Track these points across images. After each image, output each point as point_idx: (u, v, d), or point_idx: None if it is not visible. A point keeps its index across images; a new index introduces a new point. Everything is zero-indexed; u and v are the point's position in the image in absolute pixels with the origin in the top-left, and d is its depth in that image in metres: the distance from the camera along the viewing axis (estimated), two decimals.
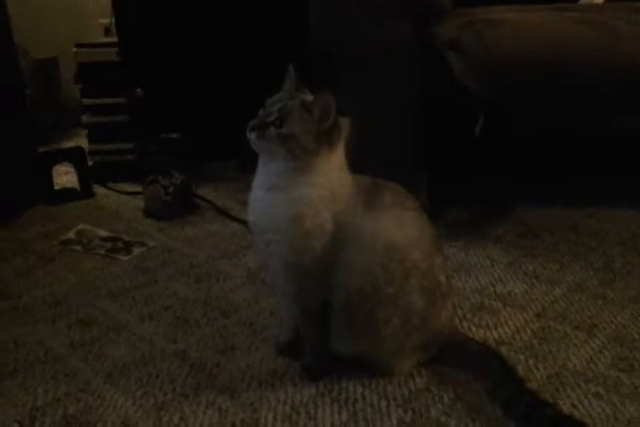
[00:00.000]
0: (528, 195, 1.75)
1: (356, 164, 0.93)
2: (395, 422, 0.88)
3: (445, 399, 0.93)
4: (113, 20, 1.95)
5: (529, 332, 1.09)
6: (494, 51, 1.25)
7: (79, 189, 1.90)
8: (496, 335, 1.08)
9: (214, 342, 1.09)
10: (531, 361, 1.01)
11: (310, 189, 0.88)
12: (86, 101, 1.98)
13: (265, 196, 0.91)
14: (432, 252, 0.96)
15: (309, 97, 0.91)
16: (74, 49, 1.94)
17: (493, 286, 1.26)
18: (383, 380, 0.97)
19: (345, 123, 0.90)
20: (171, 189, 1.69)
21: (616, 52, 1.22)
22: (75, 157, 1.90)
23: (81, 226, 1.65)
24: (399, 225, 0.92)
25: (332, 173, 0.90)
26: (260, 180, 0.92)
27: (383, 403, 0.92)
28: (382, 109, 1.45)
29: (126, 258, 1.47)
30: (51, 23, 2.55)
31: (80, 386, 0.98)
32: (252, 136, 0.88)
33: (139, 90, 1.86)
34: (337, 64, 1.49)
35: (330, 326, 0.95)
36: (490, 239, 1.48)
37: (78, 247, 1.54)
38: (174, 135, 1.81)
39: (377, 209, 0.92)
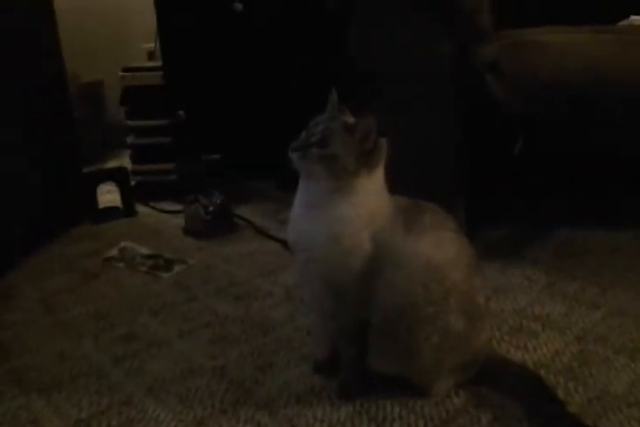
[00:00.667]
0: (570, 215, 1.73)
1: (393, 181, 0.95)
2: None
3: (483, 421, 0.92)
4: (157, 44, 2.03)
5: (568, 354, 1.08)
6: (533, 73, 1.26)
7: (122, 207, 1.96)
8: (535, 358, 1.07)
9: (252, 358, 1.10)
10: (571, 384, 0.99)
11: (350, 209, 0.90)
12: (131, 123, 2.05)
13: (305, 214, 0.93)
14: (471, 273, 0.96)
15: (351, 119, 0.93)
16: (120, 73, 2.02)
17: (532, 307, 1.25)
18: (420, 400, 0.97)
19: (384, 145, 0.92)
20: (210, 209, 1.73)
21: None
22: (118, 176, 1.97)
23: (123, 244, 1.70)
24: (439, 246, 0.93)
25: (371, 194, 0.92)
26: (300, 199, 0.94)
27: (421, 423, 0.92)
28: (423, 127, 1.47)
29: (167, 275, 1.51)
30: (96, 47, 2.65)
31: (122, 399, 1.00)
32: (294, 156, 0.91)
33: (181, 112, 1.92)
34: (379, 82, 1.52)
35: (367, 345, 0.96)
36: (528, 260, 1.47)
37: (121, 264, 1.58)
38: (215, 156, 1.86)
39: (417, 230, 0.93)
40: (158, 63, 2.01)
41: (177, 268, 1.54)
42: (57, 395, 1.02)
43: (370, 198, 0.91)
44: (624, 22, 1.71)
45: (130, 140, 2.07)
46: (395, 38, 1.43)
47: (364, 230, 0.90)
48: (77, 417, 0.96)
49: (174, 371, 1.08)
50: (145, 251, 1.66)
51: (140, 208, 2.00)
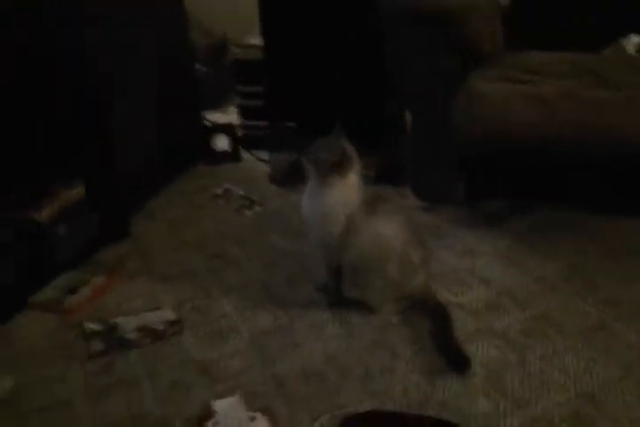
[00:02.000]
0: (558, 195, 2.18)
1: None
2: (368, 338, 1.53)
3: (404, 333, 1.55)
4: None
5: (482, 301, 1.65)
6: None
7: (231, 153, 2.67)
8: (458, 300, 1.66)
9: (287, 277, 1.79)
10: (471, 319, 1.58)
11: (331, 198, 1.53)
12: (239, 88, 2.70)
13: (307, 199, 1.57)
14: (408, 243, 1.56)
15: (336, 141, 1.52)
16: (231, 48, 2.65)
17: (482, 268, 1.81)
18: (371, 315, 1.61)
19: (355, 158, 1.52)
20: (286, 164, 2.38)
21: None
22: (229, 129, 2.66)
23: (227, 185, 2.42)
24: (385, 224, 1.54)
25: (346, 189, 1.53)
26: (307, 189, 1.58)
27: (368, 327, 1.57)
28: (433, 127, 2.00)
29: (249, 213, 2.21)
30: (226, 12, 3.24)
31: (203, 294, 1.74)
32: (303, 160, 1.54)
33: (269, 85, 2.53)
34: (406, 90, 2.06)
35: (341, 279, 1.62)
36: (504, 231, 1.99)
37: (222, 201, 2.31)
38: (292, 124, 2.47)
39: (374, 214, 1.54)
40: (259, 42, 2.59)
41: (257, 209, 2.24)
42: (171, 284, 1.78)
43: (343, 192, 1.53)
44: (622, 40, 2.04)
45: (238, 101, 2.73)
46: (413, 59, 1.93)
47: (340, 212, 1.53)
48: (181, 299, 1.72)
49: (245, 281, 1.80)
50: (241, 192, 2.36)
51: (245, 154, 2.69)
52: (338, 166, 1.51)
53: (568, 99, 1.68)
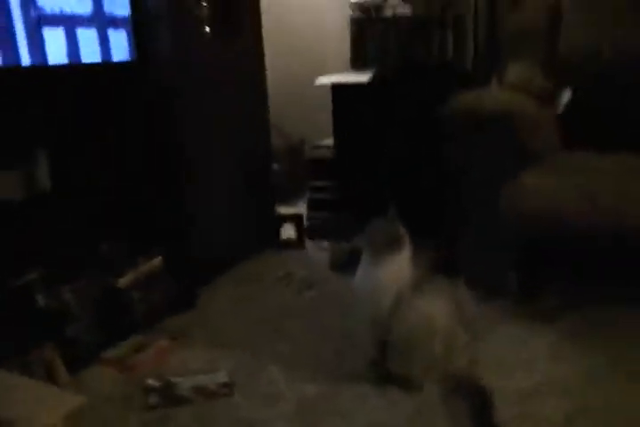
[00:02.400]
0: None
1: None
2: (408, 414, 1.58)
3: (444, 410, 1.59)
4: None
5: (516, 392, 1.67)
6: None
7: (296, 241, 2.87)
8: (501, 385, 1.69)
9: (336, 351, 1.88)
10: (516, 409, 1.60)
11: (383, 275, 1.65)
12: (311, 182, 2.96)
13: (361, 275, 1.70)
14: (455, 323, 1.64)
15: (390, 222, 1.68)
16: (307, 148, 2.95)
17: (528, 356, 1.84)
18: (413, 392, 1.66)
19: (407, 239, 1.65)
20: (346, 251, 2.54)
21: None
22: (296, 219, 2.88)
23: (289, 269, 2.58)
24: (433, 303, 1.63)
25: (396, 267, 1.65)
26: (361, 264, 1.72)
27: (408, 402, 1.62)
28: (489, 219, 2.13)
29: (309, 294, 2.35)
30: (305, 115, 3.62)
31: (259, 364, 1.85)
32: (360, 238, 1.69)
33: (340, 181, 2.77)
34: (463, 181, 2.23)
35: (387, 354, 1.69)
36: (553, 327, 2.02)
37: (284, 283, 2.47)
38: (354, 215, 2.66)
39: (422, 291, 1.64)
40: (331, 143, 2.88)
41: (316, 290, 2.38)
42: (228, 351, 1.90)
43: (394, 269, 1.65)
44: None
45: (308, 194, 2.98)
46: (471, 154, 2.12)
47: (390, 287, 1.65)
48: (236, 365, 1.83)
49: (291, 351, 1.90)
50: (301, 275, 2.52)
51: (308, 243, 2.89)
52: (390, 245, 1.65)
53: (617, 194, 1.80)
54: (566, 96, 2.53)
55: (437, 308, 1.64)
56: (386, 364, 1.72)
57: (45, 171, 2.31)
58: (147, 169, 2.18)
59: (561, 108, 2.52)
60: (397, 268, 1.66)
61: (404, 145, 2.70)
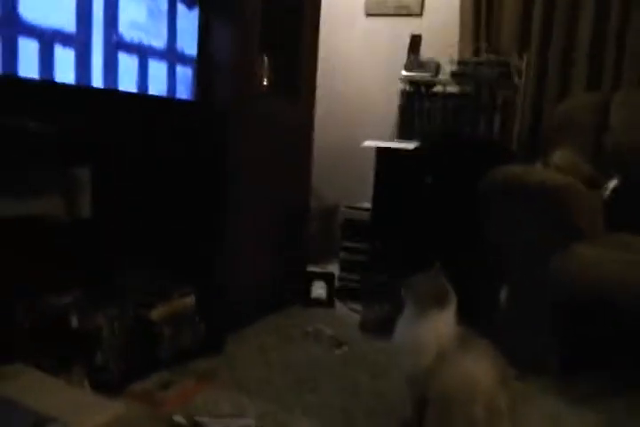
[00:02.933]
0: None
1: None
2: None
3: None
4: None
5: None
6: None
7: (325, 300, 2.84)
8: None
9: (366, 408, 1.81)
10: None
11: (425, 330, 1.61)
12: (344, 243, 2.97)
13: (401, 328, 1.67)
14: (498, 385, 1.58)
15: (435, 276, 1.66)
16: (342, 208, 2.99)
17: None
18: None
19: (452, 295, 1.63)
20: (379, 314, 2.50)
21: None
22: (327, 278, 2.86)
23: (318, 325, 2.54)
24: (476, 364, 1.58)
25: (440, 322, 1.62)
26: (402, 318, 1.69)
27: None
28: (532, 289, 2.11)
29: (337, 352, 2.29)
30: (342, 182, 3.69)
31: (287, 413, 1.78)
32: (402, 291, 1.67)
33: (377, 242, 2.78)
34: (505, 251, 2.22)
35: (424, 414, 1.62)
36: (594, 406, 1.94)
37: (311, 338, 2.42)
38: (388, 277, 2.64)
39: (465, 352, 1.60)
40: (369, 205, 2.91)
41: (344, 349, 2.33)
42: (255, 397, 1.84)
43: (438, 326, 1.61)
44: None
45: (342, 255, 2.98)
46: (515, 225, 2.13)
47: (431, 346, 1.60)
48: (264, 411, 1.76)
49: (319, 403, 1.83)
50: (329, 333, 2.47)
51: (338, 304, 2.85)
52: (435, 299, 1.63)
53: None
54: (612, 183, 2.57)
55: (481, 368, 1.59)
56: (422, 425, 1.64)
57: (88, 195, 2.37)
58: (191, 207, 2.22)
59: (606, 194, 2.55)
60: (441, 324, 1.63)
61: (442, 217, 2.72)
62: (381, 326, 2.48)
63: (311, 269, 3.03)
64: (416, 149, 2.80)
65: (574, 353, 2.12)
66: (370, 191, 2.90)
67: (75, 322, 1.80)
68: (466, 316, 1.69)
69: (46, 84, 1.71)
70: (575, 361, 2.13)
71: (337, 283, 2.93)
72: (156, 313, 2.00)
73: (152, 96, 2.07)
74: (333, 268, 3.14)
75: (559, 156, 2.64)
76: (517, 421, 1.69)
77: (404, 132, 3.28)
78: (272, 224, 2.61)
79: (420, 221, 2.76)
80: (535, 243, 2.11)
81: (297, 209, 2.83)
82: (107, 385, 1.75)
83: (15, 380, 1.15)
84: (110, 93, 1.92)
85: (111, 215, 2.26)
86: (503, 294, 2.48)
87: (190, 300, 2.15)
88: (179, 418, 1.67)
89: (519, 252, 2.18)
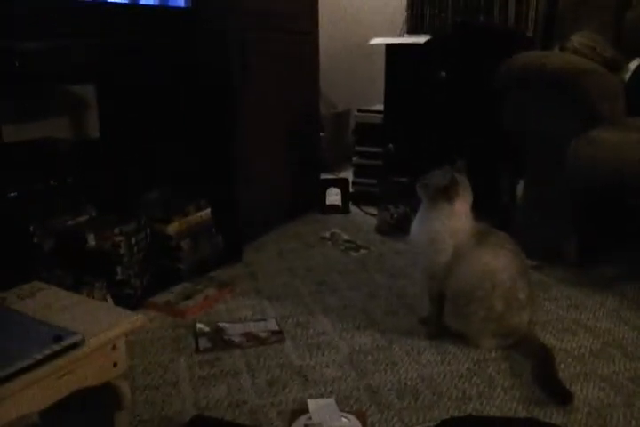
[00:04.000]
0: None
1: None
2: (466, 367, 1.53)
3: (502, 366, 1.54)
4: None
5: (587, 350, 1.61)
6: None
7: (341, 206, 2.82)
8: (561, 346, 1.63)
9: (386, 306, 1.84)
10: (577, 367, 1.54)
11: (440, 225, 1.59)
12: (357, 148, 2.90)
13: (416, 225, 1.65)
14: (516, 277, 1.58)
15: (450, 171, 1.61)
16: (355, 112, 2.88)
17: (588, 319, 1.77)
18: (470, 348, 1.61)
19: (467, 188, 1.59)
20: (395, 215, 2.49)
21: None
22: (342, 184, 2.83)
23: (334, 230, 2.55)
24: (495, 257, 1.57)
25: (454, 217, 1.59)
26: (417, 215, 1.66)
27: (464, 359, 1.57)
28: (550, 177, 2.06)
29: (355, 254, 2.31)
30: (352, 85, 3.56)
31: (306, 312, 1.82)
32: (417, 187, 1.63)
33: (390, 145, 2.71)
34: (523, 141, 2.14)
35: (442, 309, 1.64)
36: (616, 294, 1.95)
37: (329, 242, 2.43)
38: (404, 179, 2.59)
39: (482, 245, 1.58)
40: (381, 108, 2.81)
41: (362, 251, 2.34)
42: (276, 301, 1.88)
43: (452, 220, 1.58)
44: None
45: (355, 159, 2.92)
46: (535, 113, 2.04)
47: (448, 240, 1.58)
48: (285, 314, 1.80)
49: (343, 303, 1.87)
50: (346, 237, 2.48)
51: (353, 209, 2.84)
52: (446, 193, 1.59)
53: None
54: (634, 65, 2.43)
55: (499, 261, 1.58)
56: (441, 319, 1.67)
57: (95, 116, 2.32)
58: (201, 119, 2.15)
59: (627, 76, 2.41)
60: (455, 218, 1.60)
61: (458, 113, 2.62)
62: (397, 228, 2.48)
63: (325, 176, 2.99)
64: (428, 42, 2.64)
65: (591, 242, 2.10)
66: (381, 93, 2.79)
67: (92, 240, 1.81)
68: (484, 211, 1.67)
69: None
70: (592, 250, 2.12)
71: (351, 188, 2.90)
72: (173, 227, 2.00)
73: (146, 6, 1.96)
74: (347, 174, 3.10)
75: (578, 38, 2.48)
76: (537, 311, 1.71)
77: (414, 27, 3.11)
78: (283, 134, 2.54)
79: (435, 120, 2.66)
80: (554, 130, 2.02)
81: (308, 116, 2.74)
82: (129, 299, 1.80)
83: (33, 297, 1.16)
84: (101, 6, 1.82)
85: (120, 135, 2.22)
86: (520, 189, 2.44)
87: (206, 213, 2.15)
88: (201, 325, 1.72)
89: (538, 141, 2.10)
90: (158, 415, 1.33)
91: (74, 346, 0.97)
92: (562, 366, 1.52)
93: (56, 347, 0.95)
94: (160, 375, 1.49)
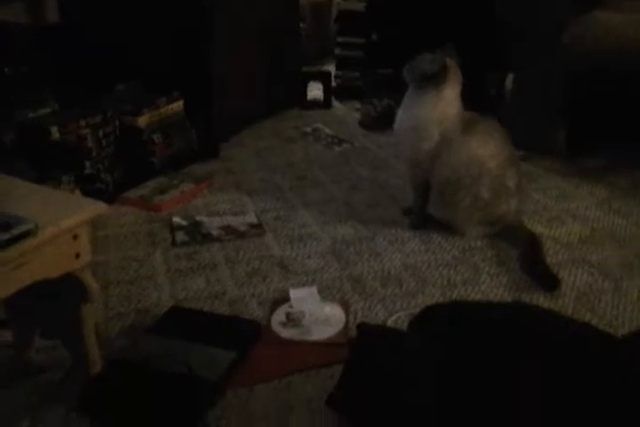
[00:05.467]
0: None
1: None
2: (451, 255, 1.49)
3: (488, 254, 1.50)
4: None
5: (577, 236, 1.57)
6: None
7: (323, 100, 2.68)
8: (549, 233, 1.59)
9: (368, 199, 1.78)
10: (566, 254, 1.51)
11: (424, 111, 1.48)
12: (339, 39, 2.71)
13: (401, 112, 1.54)
14: (505, 165, 1.50)
15: (439, 55, 1.48)
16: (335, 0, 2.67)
17: (578, 208, 1.73)
18: (456, 237, 1.57)
19: (457, 74, 1.47)
20: (378, 109, 2.37)
21: None
22: (324, 77, 2.67)
23: (317, 124, 2.43)
24: (483, 144, 1.49)
25: (441, 103, 1.48)
26: (403, 102, 1.55)
27: (449, 247, 1.53)
28: (542, 66, 1.93)
29: (337, 149, 2.21)
30: None
31: (289, 207, 1.75)
32: (404, 71, 1.51)
33: (374, 35, 2.52)
34: (517, 28, 1.99)
35: (428, 199, 1.58)
36: (603, 182, 1.89)
37: (311, 138, 2.32)
38: (389, 70, 2.45)
39: (470, 132, 1.49)
40: None
41: (345, 145, 2.24)
42: (255, 196, 1.80)
43: (439, 106, 1.48)
44: None
45: (336, 51, 2.74)
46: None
47: (433, 127, 1.49)
48: (265, 208, 1.73)
49: (323, 197, 1.80)
50: (329, 132, 2.37)
51: (336, 103, 2.70)
52: (435, 78, 1.47)
53: None
54: None
55: (487, 149, 1.49)
56: (426, 209, 1.61)
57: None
58: (175, 14, 1.96)
59: None
60: (443, 105, 1.49)
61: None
62: (382, 122, 2.37)
63: (306, 69, 2.82)
64: None
65: (579, 133, 2.01)
66: None
67: (55, 133, 1.69)
68: (471, 104, 1.56)
69: None
70: (580, 140, 2.03)
71: (333, 82, 2.74)
72: (143, 120, 1.87)
73: None
74: (329, 67, 2.92)
75: None
76: (525, 198, 1.66)
77: None
78: (261, 25, 2.34)
79: (422, 6, 2.46)
80: (552, 14, 1.88)
81: (286, 6, 2.52)
82: (101, 194, 1.70)
83: None
84: None
85: (83, 21, 2.03)
86: (509, 82, 2.31)
87: (178, 105, 2.01)
88: (178, 219, 1.65)
89: (533, 27, 1.95)
90: (135, 308, 1.28)
91: (25, 234, 0.88)
92: (550, 253, 1.48)
93: (5, 236, 0.86)
94: (135, 270, 1.43)
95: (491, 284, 1.38)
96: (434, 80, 1.47)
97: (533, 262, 1.42)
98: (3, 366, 1.08)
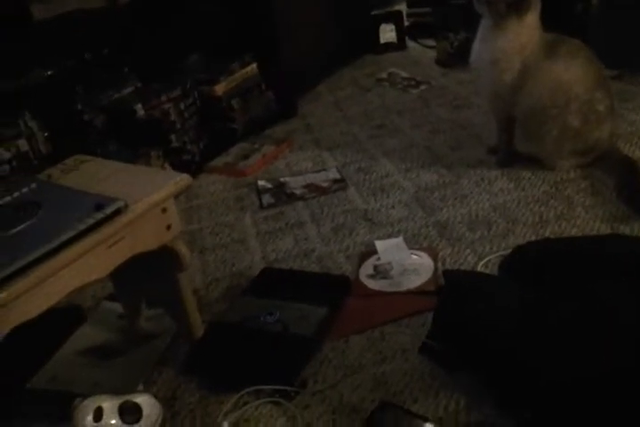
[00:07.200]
0: None
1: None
2: (542, 191, 1.43)
3: (582, 186, 1.42)
4: None
5: None
6: None
7: (396, 42, 2.59)
8: None
9: (450, 142, 1.73)
10: None
11: (505, 42, 1.40)
12: None
13: (478, 44, 1.46)
14: (593, 88, 1.40)
15: None
16: None
17: None
18: (546, 171, 1.49)
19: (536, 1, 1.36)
20: (455, 44, 2.25)
21: None
22: (395, 18, 2.57)
23: (391, 69, 2.36)
24: (568, 68, 1.38)
25: (523, 31, 1.38)
26: (478, 34, 1.46)
27: (539, 182, 1.46)
28: None
29: (415, 91, 2.14)
30: None
31: (368, 156, 1.74)
32: (475, 1, 1.42)
33: None
34: None
35: (514, 133, 1.50)
36: None
37: (386, 83, 2.26)
38: (462, 1, 2.30)
39: (554, 57, 1.39)
40: None
41: (422, 87, 2.16)
42: (335, 150, 1.80)
43: (520, 34, 1.38)
44: None
45: None
46: None
47: (514, 56, 1.40)
48: (345, 162, 1.73)
49: (403, 145, 1.76)
50: (405, 75, 2.30)
51: (410, 43, 2.60)
52: (515, 6, 1.37)
53: None
54: None
55: (573, 74, 1.39)
56: (512, 145, 1.54)
57: None
58: None
59: None
60: (523, 33, 1.39)
61: None
62: (459, 58, 2.25)
63: (376, 12, 2.72)
64: None
65: None
66: None
67: (140, 110, 1.76)
68: (554, 22, 1.44)
69: None
70: None
71: (406, 21, 2.63)
72: (220, 88, 1.91)
73: None
74: (400, 7, 2.80)
75: None
76: (619, 120, 1.54)
77: None
78: None
79: None
80: None
81: None
82: (189, 165, 1.78)
83: (77, 170, 1.14)
84: None
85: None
86: None
87: (252, 68, 2.02)
88: (262, 182, 1.69)
89: None
90: (229, 272, 1.35)
91: (117, 212, 0.95)
92: None
93: (98, 215, 0.93)
94: (227, 234, 1.49)
95: (586, 217, 1.31)
96: (516, 9, 1.37)
97: (632, 190, 1.33)
98: (117, 335, 1.18)
